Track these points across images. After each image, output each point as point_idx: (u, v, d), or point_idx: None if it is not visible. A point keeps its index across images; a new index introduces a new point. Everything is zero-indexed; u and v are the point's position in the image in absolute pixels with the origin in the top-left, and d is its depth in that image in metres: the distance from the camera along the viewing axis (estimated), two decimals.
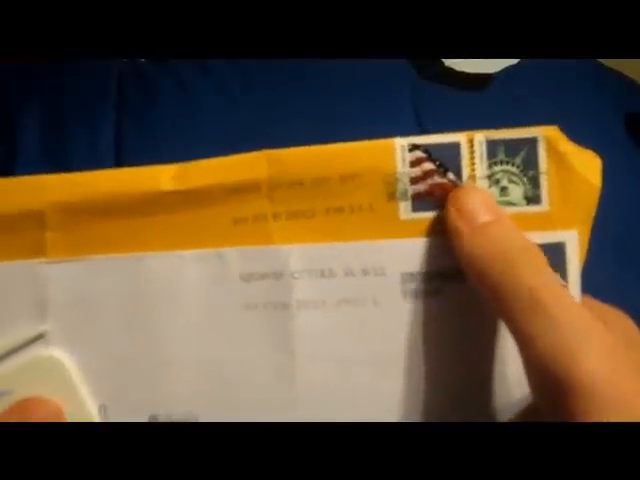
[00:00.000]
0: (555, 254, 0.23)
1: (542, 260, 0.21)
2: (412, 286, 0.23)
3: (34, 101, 0.38)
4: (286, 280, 0.23)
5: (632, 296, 0.33)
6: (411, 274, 0.23)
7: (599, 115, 0.39)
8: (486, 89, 0.39)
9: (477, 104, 0.38)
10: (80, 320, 0.24)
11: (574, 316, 0.20)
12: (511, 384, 0.23)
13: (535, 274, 0.21)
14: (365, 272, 0.23)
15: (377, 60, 0.36)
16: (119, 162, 0.36)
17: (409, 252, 0.23)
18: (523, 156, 0.23)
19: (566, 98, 0.39)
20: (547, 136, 0.23)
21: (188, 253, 0.24)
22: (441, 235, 0.23)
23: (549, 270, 0.21)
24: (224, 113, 0.37)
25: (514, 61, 0.38)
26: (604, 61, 0.44)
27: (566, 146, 0.23)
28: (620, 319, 0.23)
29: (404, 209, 0.23)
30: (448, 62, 0.38)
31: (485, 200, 0.22)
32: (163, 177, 0.23)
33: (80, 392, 0.24)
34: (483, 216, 0.22)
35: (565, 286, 0.23)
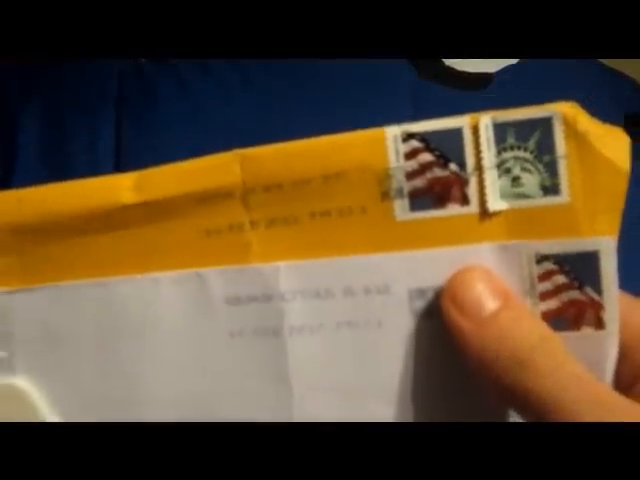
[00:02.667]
0: (585, 265, 0.19)
1: (562, 348, 0.19)
2: (421, 304, 0.20)
3: (34, 101, 0.38)
4: (276, 303, 0.21)
5: None
6: (419, 290, 0.20)
7: (599, 115, 0.38)
8: (486, 89, 0.39)
9: (477, 104, 0.38)
10: (49, 354, 0.22)
11: (611, 411, 0.17)
12: None
13: (557, 367, 0.18)
14: (367, 290, 0.20)
15: (377, 60, 0.36)
16: (119, 162, 0.36)
17: (415, 265, 0.20)
18: (537, 139, 0.19)
19: (566, 98, 0.38)
20: (564, 114, 0.19)
21: (164, 276, 0.21)
22: (446, 240, 0.20)
23: (571, 359, 0.19)
24: (224, 113, 0.37)
25: (514, 61, 0.38)
26: (604, 61, 0.44)
27: (587, 124, 0.19)
28: None
29: (401, 209, 0.20)
30: (448, 62, 0.38)
31: (486, 283, 0.19)
32: (122, 188, 0.21)
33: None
34: (487, 305, 0.19)
35: (600, 304, 0.19)
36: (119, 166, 0.36)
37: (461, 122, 0.20)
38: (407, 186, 0.20)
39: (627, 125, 0.40)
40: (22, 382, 0.22)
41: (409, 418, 0.21)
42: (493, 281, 0.20)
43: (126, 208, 0.21)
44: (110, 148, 0.37)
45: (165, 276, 0.21)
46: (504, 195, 0.20)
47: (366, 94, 0.38)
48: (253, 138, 0.35)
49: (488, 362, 0.19)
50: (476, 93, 0.38)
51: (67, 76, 0.39)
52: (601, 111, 0.41)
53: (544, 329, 0.19)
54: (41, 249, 0.21)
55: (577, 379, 0.18)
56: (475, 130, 0.20)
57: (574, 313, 0.20)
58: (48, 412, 0.22)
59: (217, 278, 0.21)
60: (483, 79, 0.38)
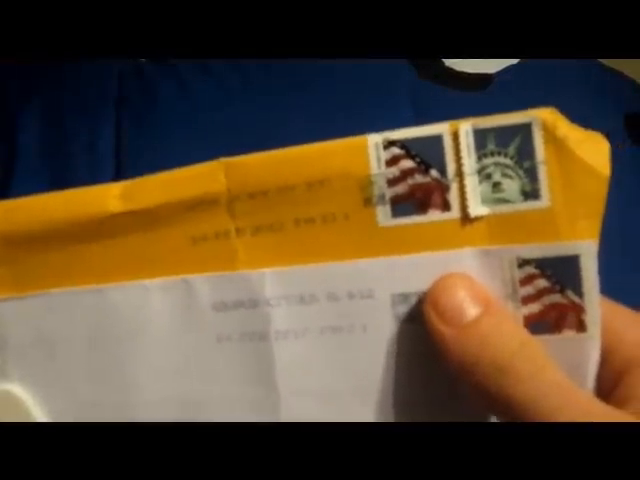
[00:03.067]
0: (566, 268, 0.20)
1: (542, 353, 0.19)
2: (403, 309, 0.21)
3: (34, 101, 0.38)
4: (262, 308, 0.21)
5: (634, 298, 0.33)
6: (402, 295, 0.21)
7: (599, 115, 0.39)
8: (486, 89, 0.39)
9: (477, 105, 0.38)
10: (42, 361, 0.22)
11: (592, 419, 0.18)
12: None
13: (537, 373, 0.18)
14: (351, 295, 0.21)
15: (377, 60, 0.36)
16: (119, 162, 0.36)
17: (398, 270, 0.20)
18: (517, 144, 0.20)
19: (566, 98, 0.39)
20: (543, 120, 0.20)
21: (152, 283, 0.21)
22: (428, 245, 0.20)
23: (551, 364, 0.19)
24: (224, 113, 0.37)
25: (514, 61, 0.38)
26: (604, 61, 0.44)
27: (566, 130, 0.20)
28: None
29: (383, 215, 0.20)
30: (448, 62, 0.38)
31: (467, 289, 0.20)
32: (109, 197, 0.21)
33: None
34: (468, 311, 0.19)
35: (582, 307, 0.20)
36: (119, 166, 0.36)
37: (441, 129, 0.20)
38: (389, 192, 0.20)
39: (627, 125, 0.40)
40: (15, 388, 0.22)
41: (392, 421, 0.21)
42: (474, 287, 0.20)
43: (114, 217, 0.21)
44: (110, 148, 0.37)
45: (153, 283, 0.21)
46: (485, 200, 0.20)
47: (366, 94, 0.38)
48: (253, 138, 0.35)
49: (469, 368, 0.19)
50: (476, 93, 0.38)
51: (67, 76, 0.39)
52: (601, 111, 0.41)
53: (524, 334, 0.19)
54: (32, 258, 0.22)
55: (557, 386, 0.18)
56: (455, 136, 0.20)
57: (556, 316, 0.20)
58: (42, 417, 0.22)
59: (204, 284, 0.21)
60: (483, 79, 0.38)
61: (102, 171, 0.36)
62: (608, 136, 0.20)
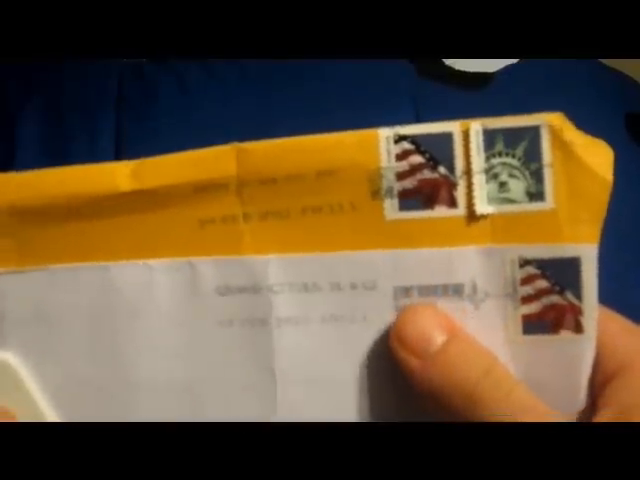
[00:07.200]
0: (567, 270, 0.20)
1: (508, 378, 0.19)
2: (405, 301, 0.21)
3: (34, 101, 0.38)
4: (265, 294, 0.21)
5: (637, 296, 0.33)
6: (404, 288, 0.21)
7: (599, 115, 0.39)
8: (486, 89, 0.39)
9: (477, 104, 0.38)
10: (40, 336, 0.22)
11: None
12: None
13: (503, 398, 0.19)
14: (354, 286, 0.21)
15: (377, 60, 0.36)
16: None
17: (401, 263, 0.21)
18: (525, 147, 0.20)
19: (566, 98, 0.38)
20: (551, 124, 0.20)
21: (157, 263, 0.21)
22: (432, 241, 0.21)
23: (518, 387, 0.19)
24: (224, 113, 0.37)
25: (514, 61, 0.38)
26: (604, 61, 0.44)
27: (573, 135, 0.20)
28: None
29: (390, 208, 0.21)
30: (448, 62, 0.38)
31: (432, 319, 0.20)
32: (120, 175, 0.21)
33: (40, 406, 0.22)
34: (433, 340, 0.20)
35: (580, 309, 0.20)
36: None
37: (452, 127, 0.20)
38: (397, 186, 0.21)
39: (628, 125, 0.40)
40: (11, 359, 0.22)
41: (388, 411, 0.21)
42: (438, 316, 0.20)
43: (123, 195, 0.21)
44: (110, 148, 0.37)
45: (158, 263, 0.22)
46: (491, 199, 0.20)
47: (366, 93, 0.38)
48: (253, 138, 0.35)
49: (437, 396, 0.19)
50: (476, 93, 0.38)
51: (67, 76, 0.39)
52: (602, 111, 0.41)
53: (490, 359, 0.20)
54: (37, 232, 0.22)
55: (523, 409, 0.18)
56: (465, 135, 0.20)
57: (554, 317, 0.20)
58: (37, 391, 0.22)
59: (208, 267, 0.21)
60: (483, 79, 0.38)
61: None
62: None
